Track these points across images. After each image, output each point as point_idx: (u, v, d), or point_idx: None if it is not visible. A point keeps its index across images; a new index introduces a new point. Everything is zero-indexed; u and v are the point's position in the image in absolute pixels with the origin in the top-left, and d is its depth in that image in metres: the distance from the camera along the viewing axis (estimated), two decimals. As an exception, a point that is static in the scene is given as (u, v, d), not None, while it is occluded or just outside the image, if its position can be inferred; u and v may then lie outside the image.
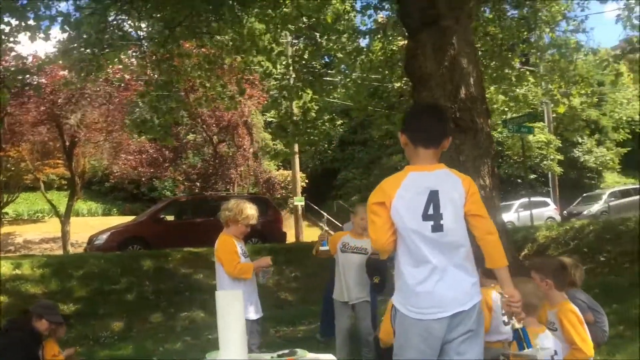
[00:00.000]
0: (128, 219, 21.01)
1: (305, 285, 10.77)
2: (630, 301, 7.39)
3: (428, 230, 2.58)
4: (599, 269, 9.50)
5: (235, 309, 2.57)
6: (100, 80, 16.38)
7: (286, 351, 2.82)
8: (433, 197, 2.60)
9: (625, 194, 25.61)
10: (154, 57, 11.17)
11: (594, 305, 4.70)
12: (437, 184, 2.63)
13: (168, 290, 10.18)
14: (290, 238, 19.41)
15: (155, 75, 12.18)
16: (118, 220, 22.04)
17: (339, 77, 16.19)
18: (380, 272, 5.10)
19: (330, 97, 17.41)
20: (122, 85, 18.74)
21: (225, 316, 2.57)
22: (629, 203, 24.63)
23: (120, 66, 13.89)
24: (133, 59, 13.40)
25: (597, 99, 24.74)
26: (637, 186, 28.01)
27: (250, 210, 4.56)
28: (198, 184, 22.88)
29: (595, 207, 24.24)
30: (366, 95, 15.21)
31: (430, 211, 2.59)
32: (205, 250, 12.33)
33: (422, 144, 2.70)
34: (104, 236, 14.81)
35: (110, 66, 13.65)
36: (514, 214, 20.09)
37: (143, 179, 23.85)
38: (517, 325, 2.64)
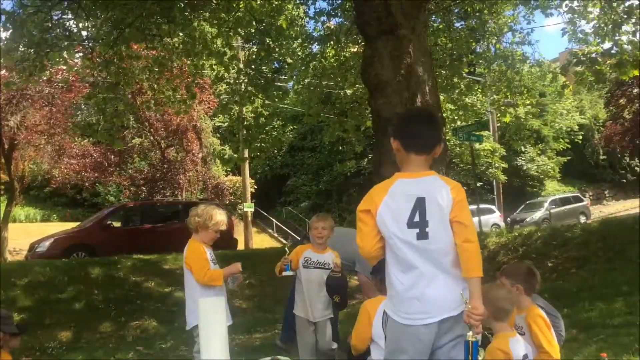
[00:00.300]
0: (69, 225, 20.33)
1: (259, 293, 10.65)
2: (579, 305, 7.63)
3: (414, 237, 2.57)
4: (547, 274, 9.78)
5: (218, 317, 2.50)
6: (43, 80, 15.83)
7: (268, 358, 2.75)
8: (419, 204, 2.59)
9: (565, 201, 26.63)
10: (102, 58, 10.87)
11: (551, 310, 4.79)
12: (424, 190, 2.61)
13: (118, 299, 9.86)
14: (240, 245, 19.19)
15: (101, 77, 11.87)
16: (58, 226, 21.30)
17: (291, 83, 16.19)
18: (340, 291, 5.00)
19: (282, 103, 17.39)
20: (66, 86, 18.15)
21: (208, 324, 2.49)
22: (569, 210, 25.63)
23: (64, 67, 13.47)
24: (77, 60, 13.02)
25: (539, 110, 25.66)
26: (576, 194, 29.19)
27: (221, 216, 4.47)
28: (144, 189, 22.37)
29: (538, 214, 25.09)
30: (318, 102, 15.23)
31: (416, 218, 2.58)
32: (156, 257, 12.05)
33: (414, 150, 2.68)
34: (47, 243, 14.26)
35: (54, 67, 13.24)
36: (461, 220, 20.47)
37: (86, 184, 23.15)
38: (471, 339, 2.52)
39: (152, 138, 22.68)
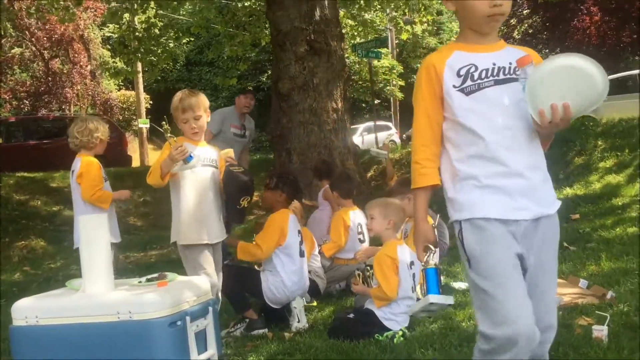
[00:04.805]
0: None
1: (155, 210, 10.42)
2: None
3: None
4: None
5: (100, 235, 2.38)
6: None
7: (155, 275, 2.68)
8: None
9: (456, 119, 27.72)
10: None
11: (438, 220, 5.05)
12: None
13: (1, 219, 9.33)
14: (135, 162, 18.61)
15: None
16: None
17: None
18: (249, 192, 3.73)
19: (177, 13, 16.51)
20: None
21: (89, 242, 2.37)
22: (460, 127, 26.76)
23: None
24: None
25: (435, 28, 26.05)
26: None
27: (97, 123, 4.26)
28: (27, 103, 20.90)
29: (431, 132, 25.97)
30: (216, 14, 14.61)
31: None
32: (43, 175, 11.43)
33: None
34: None
35: None
36: (359, 137, 20.83)
37: (-39, 97, 21.31)
38: (432, 262, 2.04)
39: (33, 48, 21.00)
